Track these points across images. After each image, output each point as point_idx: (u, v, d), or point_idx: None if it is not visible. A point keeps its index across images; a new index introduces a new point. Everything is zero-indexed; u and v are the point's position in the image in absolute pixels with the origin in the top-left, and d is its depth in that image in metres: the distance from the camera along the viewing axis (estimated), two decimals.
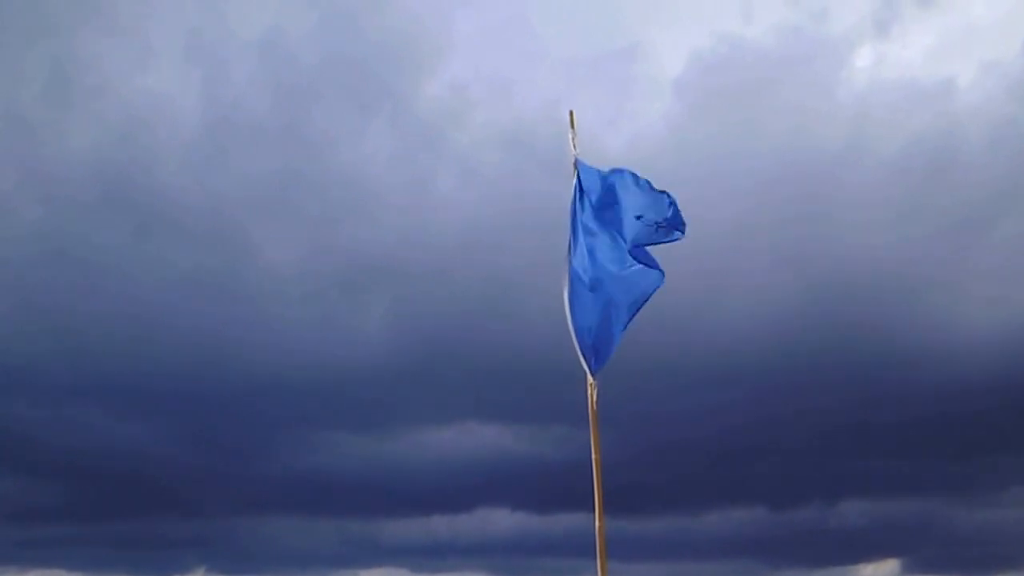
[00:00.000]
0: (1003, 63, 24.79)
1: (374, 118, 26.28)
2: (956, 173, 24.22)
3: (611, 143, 22.18)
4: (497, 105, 26.20)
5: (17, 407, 24.61)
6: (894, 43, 26.56)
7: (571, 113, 7.35)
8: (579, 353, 6.82)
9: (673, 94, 26.17)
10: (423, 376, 25.33)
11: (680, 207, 7.08)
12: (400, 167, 25.97)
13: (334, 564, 28.61)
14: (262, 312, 25.09)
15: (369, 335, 25.44)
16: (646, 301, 7.02)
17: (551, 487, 24.65)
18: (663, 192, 7.10)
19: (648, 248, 7.10)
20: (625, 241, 7.06)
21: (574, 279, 6.97)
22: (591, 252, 7.02)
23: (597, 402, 6.76)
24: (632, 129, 25.05)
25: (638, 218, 7.06)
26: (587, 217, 7.10)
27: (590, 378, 6.80)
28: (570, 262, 7.02)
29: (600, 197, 7.14)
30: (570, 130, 7.32)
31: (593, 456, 6.68)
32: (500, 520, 27.94)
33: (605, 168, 7.25)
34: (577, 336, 6.84)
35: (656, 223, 7.03)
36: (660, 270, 7.08)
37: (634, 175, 7.17)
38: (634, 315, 6.97)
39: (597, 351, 6.84)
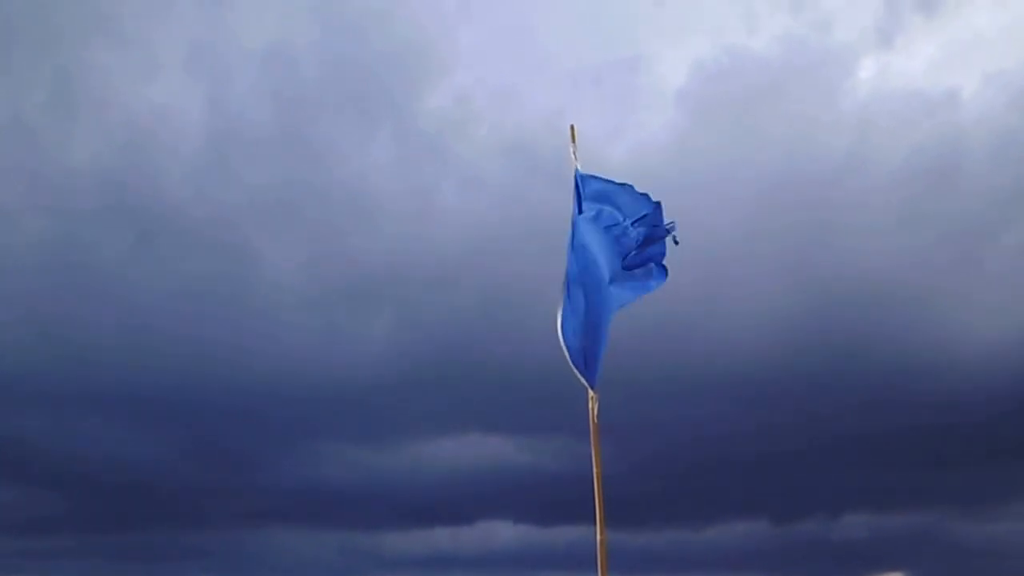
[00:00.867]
0: (1007, 73, 24.82)
1: (378, 128, 26.38)
2: (959, 183, 24.25)
3: (614, 153, 22.25)
4: (500, 115, 26.27)
5: (19, 416, 24.63)
6: (898, 53, 26.57)
7: (572, 127, 7.35)
8: (575, 372, 6.82)
9: (676, 104, 26.22)
10: (426, 387, 25.35)
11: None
12: (404, 177, 26.05)
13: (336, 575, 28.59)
14: (265, 322, 25.13)
15: (372, 346, 25.47)
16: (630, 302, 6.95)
17: (553, 499, 24.64)
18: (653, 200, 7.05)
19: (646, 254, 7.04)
20: (621, 248, 7.01)
21: (568, 296, 6.94)
22: (585, 262, 6.97)
23: (599, 414, 6.73)
24: (635, 139, 25.10)
25: (633, 223, 7.01)
26: (585, 227, 7.08)
27: (591, 391, 6.79)
28: (567, 278, 6.99)
29: (595, 203, 7.11)
30: (571, 144, 7.32)
31: (595, 468, 6.65)
32: (502, 532, 27.93)
33: (604, 178, 7.23)
34: (571, 357, 6.82)
35: (648, 228, 6.96)
36: (657, 274, 7.02)
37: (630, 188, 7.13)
38: (614, 312, 6.86)
39: (588, 364, 6.81)
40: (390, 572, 28.60)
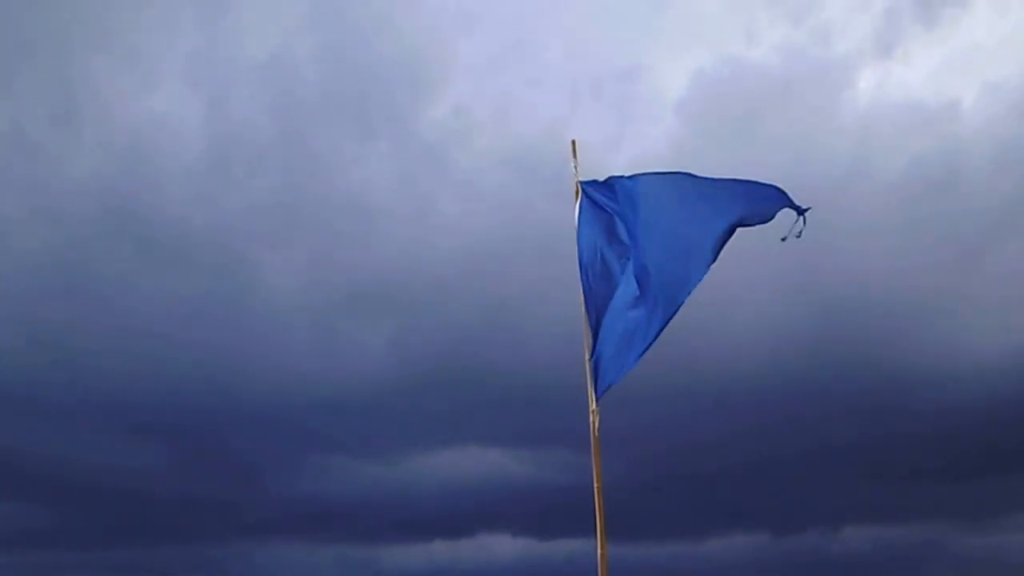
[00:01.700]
0: (1007, 84, 24.83)
1: (377, 141, 26.40)
2: (960, 194, 24.21)
3: (613, 164, 22.19)
4: (499, 127, 26.27)
5: (17, 430, 24.51)
6: (897, 64, 26.57)
7: (573, 142, 7.31)
8: (589, 377, 6.73)
9: (675, 115, 26.22)
10: (424, 400, 25.25)
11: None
12: (403, 190, 26.05)
13: None
14: (263, 335, 25.07)
15: (371, 358, 25.38)
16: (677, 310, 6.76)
17: (552, 512, 24.53)
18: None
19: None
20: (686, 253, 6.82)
21: (616, 302, 6.79)
22: (642, 268, 6.80)
23: (599, 428, 6.68)
24: (634, 150, 25.02)
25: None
26: (622, 234, 6.91)
27: (592, 404, 6.72)
28: (614, 283, 6.85)
29: (635, 208, 6.93)
30: (572, 159, 7.28)
31: (595, 482, 6.60)
32: (501, 545, 27.80)
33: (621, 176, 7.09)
34: (594, 360, 6.75)
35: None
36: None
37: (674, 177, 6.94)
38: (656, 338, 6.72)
39: (603, 377, 6.74)
40: None
